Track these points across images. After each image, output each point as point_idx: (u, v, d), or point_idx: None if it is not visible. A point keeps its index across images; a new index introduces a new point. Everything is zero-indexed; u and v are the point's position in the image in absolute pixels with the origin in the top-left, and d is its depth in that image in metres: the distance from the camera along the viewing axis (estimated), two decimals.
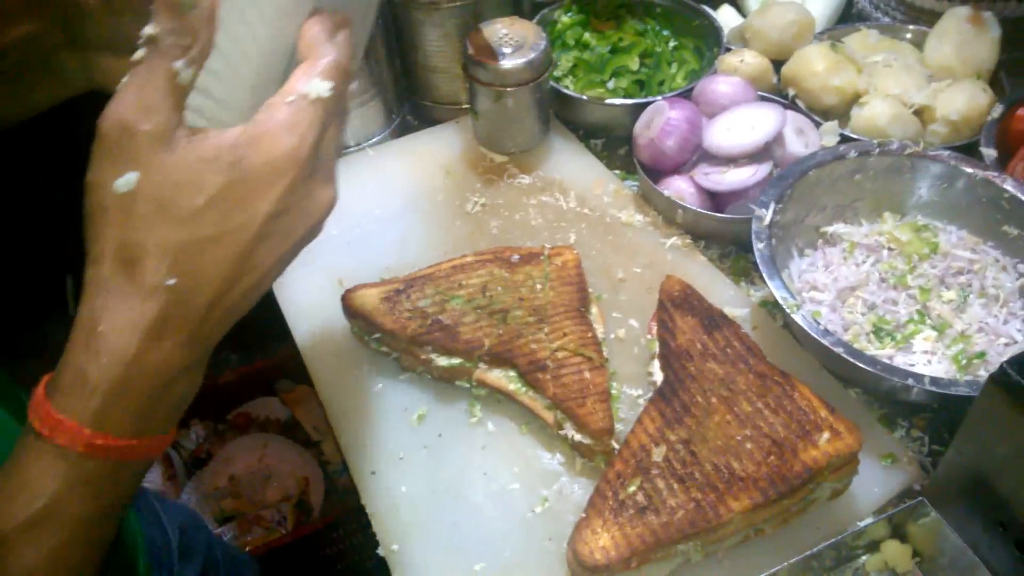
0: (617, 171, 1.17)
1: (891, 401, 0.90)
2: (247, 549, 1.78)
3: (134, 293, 0.47)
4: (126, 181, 0.47)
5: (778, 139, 1.02)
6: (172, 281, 0.48)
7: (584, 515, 0.74)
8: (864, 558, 0.79)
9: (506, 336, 0.86)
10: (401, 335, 0.87)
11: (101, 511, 0.51)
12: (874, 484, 0.82)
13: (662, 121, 1.03)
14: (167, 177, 0.47)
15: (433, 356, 0.87)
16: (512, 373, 0.86)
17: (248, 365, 2.10)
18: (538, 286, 0.90)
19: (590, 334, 0.87)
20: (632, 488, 0.75)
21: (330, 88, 0.51)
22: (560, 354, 0.85)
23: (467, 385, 0.89)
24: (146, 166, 0.47)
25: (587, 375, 0.83)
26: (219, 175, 0.48)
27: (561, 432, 0.83)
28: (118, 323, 0.47)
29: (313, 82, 0.51)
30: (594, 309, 0.94)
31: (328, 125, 0.52)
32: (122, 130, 0.46)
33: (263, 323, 2.00)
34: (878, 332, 0.92)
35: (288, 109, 0.50)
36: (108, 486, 0.50)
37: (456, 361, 0.86)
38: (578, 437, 0.81)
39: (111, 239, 0.47)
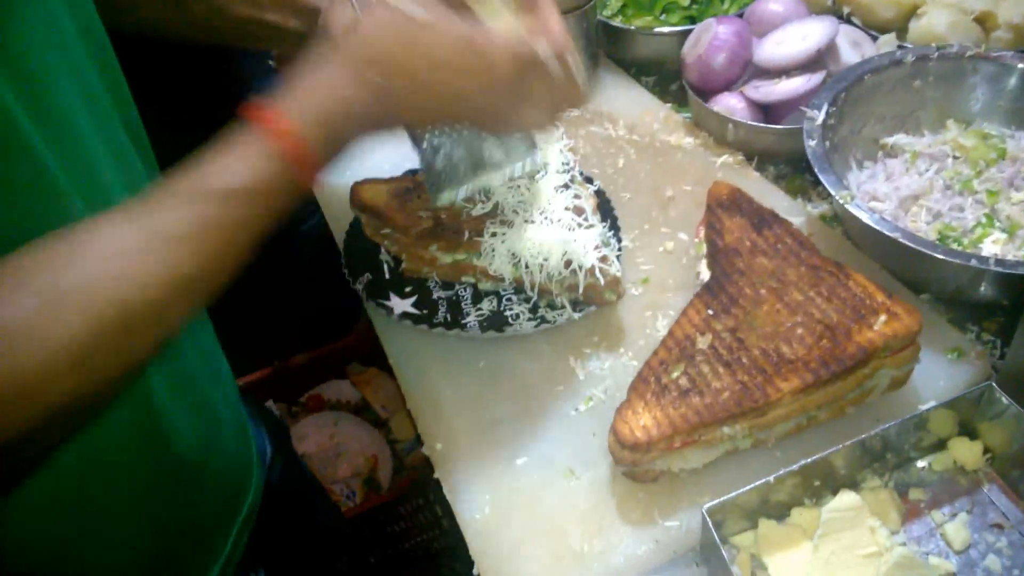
0: (669, 104, 1.15)
1: (959, 304, 0.86)
2: None
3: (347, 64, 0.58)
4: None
5: (832, 51, 0.99)
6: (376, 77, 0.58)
7: (625, 400, 0.72)
8: (930, 458, 0.75)
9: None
10: (411, 230, 0.88)
11: (256, 225, 0.56)
12: (939, 377, 0.77)
13: (710, 37, 1.01)
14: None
15: (438, 254, 0.88)
16: (514, 258, 0.86)
17: (319, 349, 2.14)
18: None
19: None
20: (676, 373, 0.73)
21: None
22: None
23: (472, 280, 0.90)
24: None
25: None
26: (466, 41, 0.60)
27: (571, 295, 0.86)
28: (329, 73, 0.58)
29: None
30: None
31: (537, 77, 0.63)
32: None
33: (333, 309, 2.03)
34: (944, 240, 0.88)
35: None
36: (272, 204, 0.56)
37: (460, 256, 0.88)
38: (587, 283, 0.84)
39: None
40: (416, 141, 0.72)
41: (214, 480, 0.76)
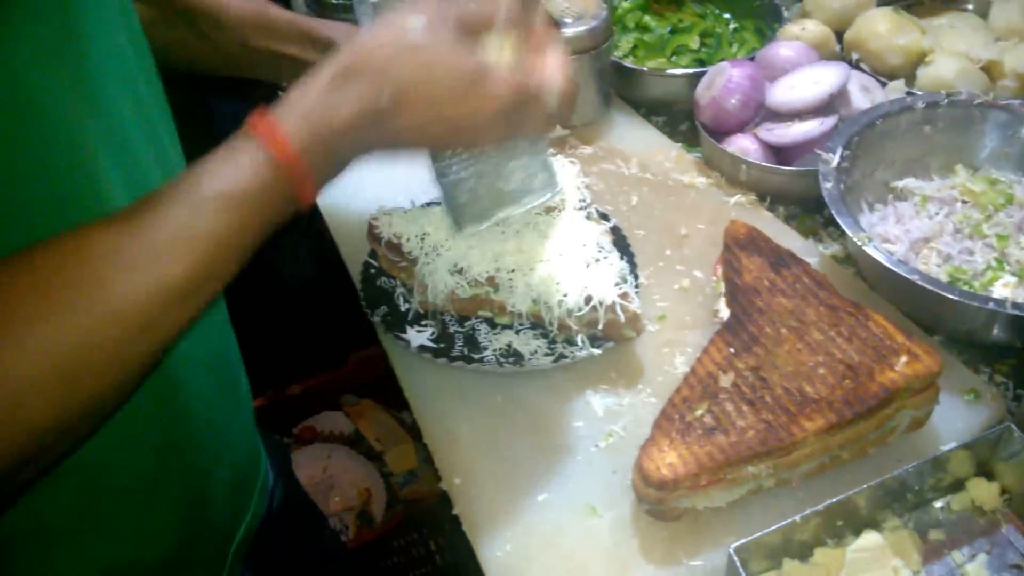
0: (679, 144, 1.17)
1: (972, 346, 0.87)
2: None
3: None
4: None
5: (843, 96, 1.01)
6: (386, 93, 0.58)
7: (650, 437, 0.73)
8: (948, 498, 0.75)
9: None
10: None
11: (248, 232, 0.55)
12: (956, 419, 0.78)
13: (724, 79, 1.03)
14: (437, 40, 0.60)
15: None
16: (531, 292, 0.86)
17: (313, 379, 2.13)
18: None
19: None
20: (699, 411, 0.73)
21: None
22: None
23: (488, 314, 0.90)
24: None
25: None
26: (465, 66, 0.60)
27: (590, 331, 0.86)
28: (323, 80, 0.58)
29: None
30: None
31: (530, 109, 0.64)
32: None
33: (328, 340, 2.01)
34: (955, 282, 0.89)
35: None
36: (263, 212, 0.56)
37: (478, 291, 0.88)
38: (607, 320, 0.84)
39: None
40: (438, 174, 0.73)
41: (219, 490, 0.77)
